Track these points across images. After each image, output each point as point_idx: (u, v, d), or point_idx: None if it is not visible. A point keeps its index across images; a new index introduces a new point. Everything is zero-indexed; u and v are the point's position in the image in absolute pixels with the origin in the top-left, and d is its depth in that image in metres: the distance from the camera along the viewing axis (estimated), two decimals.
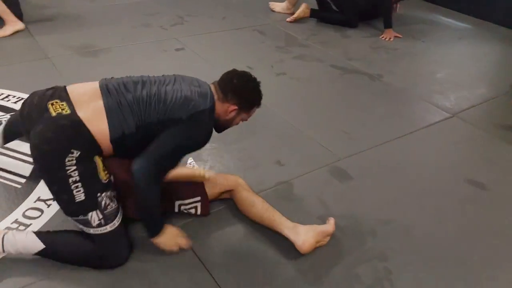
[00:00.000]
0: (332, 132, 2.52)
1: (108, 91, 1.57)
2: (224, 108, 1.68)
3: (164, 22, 3.75)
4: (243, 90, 1.70)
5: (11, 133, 1.83)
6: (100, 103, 1.52)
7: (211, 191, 1.88)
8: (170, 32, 3.59)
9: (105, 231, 1.53)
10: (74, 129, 1.47)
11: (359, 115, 2.71)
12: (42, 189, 1.87)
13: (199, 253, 1.69)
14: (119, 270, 1.59)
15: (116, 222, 1.56)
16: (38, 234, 1.57)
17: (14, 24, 3.32)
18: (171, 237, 1.65)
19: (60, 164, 1.44)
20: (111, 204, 1.54)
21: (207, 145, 1.71)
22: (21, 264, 1.57)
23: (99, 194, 1.51)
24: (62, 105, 1.49)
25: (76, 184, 1.46)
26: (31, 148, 1.48)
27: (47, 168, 1.48)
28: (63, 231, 1.63)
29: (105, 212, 1.52)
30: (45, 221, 1.76)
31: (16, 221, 1.74)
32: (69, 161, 1.44)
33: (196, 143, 1.66)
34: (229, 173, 2.01)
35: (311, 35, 3.80)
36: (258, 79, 1.75)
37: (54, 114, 1.47)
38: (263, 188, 2.02)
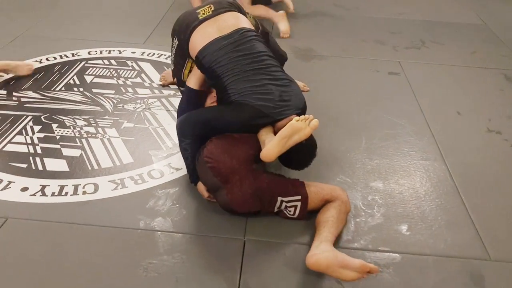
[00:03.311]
0: None
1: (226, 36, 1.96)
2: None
3: (399, 43, 3.50)
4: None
5: None
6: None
7: (314, 195, 1.81)
8: (398, 54, 3.33)
9: None
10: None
11: None
12: None
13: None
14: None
15: None
16: None
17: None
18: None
19: (172, 38, 2.16)
20: None
21: None
22: None
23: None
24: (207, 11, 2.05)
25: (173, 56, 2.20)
26: None
27: None
28: None
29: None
30: None
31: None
32: (173, 42, 2.15)
33: None
34: None
35: None
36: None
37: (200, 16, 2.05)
38: None
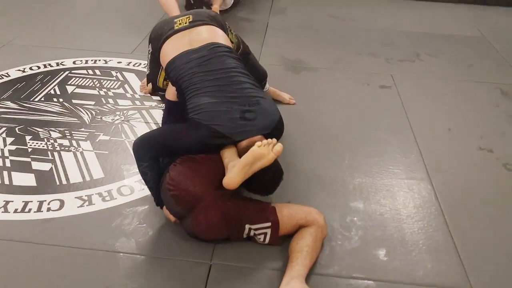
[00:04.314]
0: None
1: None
2: None
3: (393, 55, 3.40)
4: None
5: None
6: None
7: (286, 221, 1.70)
8: (390, 67, 3.23)
9: None
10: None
11: None
12: None
13: None
14: None
15: None
16: None
17: None
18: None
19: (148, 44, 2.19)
20: None
21: None
22: None
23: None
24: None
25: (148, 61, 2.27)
26: None
27: None
28: None
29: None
30: None
31: None
32: (148, 48, 2.18)
33: None
34: None
35: None
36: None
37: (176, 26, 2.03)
38: None
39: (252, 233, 1.70)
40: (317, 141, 2.39)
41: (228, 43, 2.03)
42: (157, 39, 2.01)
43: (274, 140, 1.66)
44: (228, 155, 1.72)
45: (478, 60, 3.41)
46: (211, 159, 1.76)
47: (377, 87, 2.97)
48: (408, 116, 2.64)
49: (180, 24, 1.99)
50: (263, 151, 1.61)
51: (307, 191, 2.05)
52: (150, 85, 2.57)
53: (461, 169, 2.25)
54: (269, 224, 1.69)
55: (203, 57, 1.86)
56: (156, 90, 2.36)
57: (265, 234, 1.70)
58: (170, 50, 1.91)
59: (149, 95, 2.65)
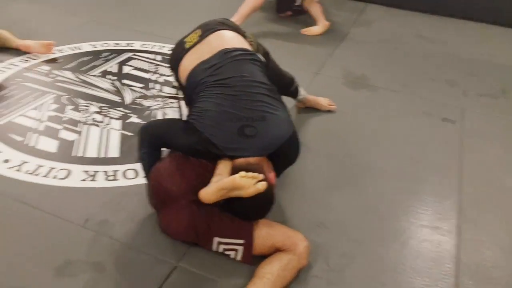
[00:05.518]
0: None
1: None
2: None
3: (473, 88, 2.99)
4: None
5: None
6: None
7: (262, 241, 1.58)
8: (464, 100, 2.85)
9: None
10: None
11: None
12: None
13: None
14: None
15: None
16: None
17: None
18: None
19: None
20: None
21: None
22: None
23: None
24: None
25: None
26: None
27: None
28: None
29: None
30: None
31: None
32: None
33: None
34: None
35: None
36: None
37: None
38: None
39: (221, 248, 1.60)
40: (344, 164, 2.20)
41: (243, 44, 1.93)
42: (174, 64, 1.98)
43: (261, 176, 1.51)
44: (221, 167, 1.62)
45: None
46: (202, 166, 1.67)
47: (439, 119, 2.64)
48: (461, 158, 2.31)
49: (190, 42, 1.94)
50: (244, 183, 1.48)
51: (310, 215, 1.88)
52: None
53: (500, 240, 1.87)
54: (241, 241, 1.58)
55: (214, 66, 1.79)
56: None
57: (236, 250, 1.59)
58: (185, 68, 1.88)
59: None
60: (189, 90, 1.87)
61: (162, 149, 1.80)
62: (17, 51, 2.91)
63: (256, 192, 1.49)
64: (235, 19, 3.38)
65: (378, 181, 2.12)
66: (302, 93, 2.48)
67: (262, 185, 1.49)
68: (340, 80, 2.99)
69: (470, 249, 1.79)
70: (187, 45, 1.93)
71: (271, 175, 1.64)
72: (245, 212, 1.58)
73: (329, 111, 2.59)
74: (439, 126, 2.59)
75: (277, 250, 1.59)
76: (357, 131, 2.48)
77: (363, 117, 2.62)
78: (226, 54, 1.82)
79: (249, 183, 1.48)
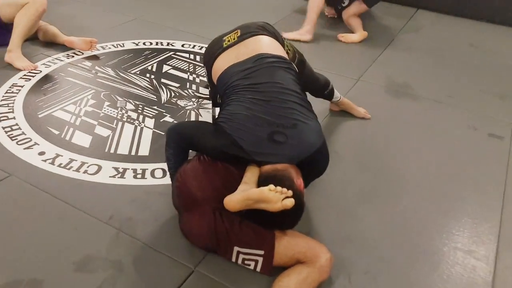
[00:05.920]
0: None
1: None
2: None
3: None
4: None
5: None
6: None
7: (283, 250, 1.54)
8: None
9: None
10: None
11: None
12: None
13: None
14: None
15: None
16: None
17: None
18: None
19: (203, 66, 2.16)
20: None
21: None
22: None
23: None
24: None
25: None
26: None
27: None
28: None
29: None
30: None
31: None
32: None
33: None
34: None
35: None
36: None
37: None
38: None
39: (240, 258, 1.57)
40: (374, 177, 2.11)
41: (280, 51, 1.89)
42: (208, 60, 1.97)
43: (290, 193, 1.46)
44: (248, 175, 1.59)
45: None
46: (229, 173, 1.64)
47: (485, 134, 2.49)
48: (507, 178, 2.16)
49: (228, 41, 1.92)
50: (271, 196, 1.43)
51: (337, 227, 1.82)
52: None
53: None
54: (261, 252, 1.54)
55: (249, 69, 1.76)
56: (215, 106, 2.29)
57: (256, 261, 1.55)
58: (219, 67, 1.86)
59: None
60: (219, 89, 1.86)
61: (189, 150, 1.80)
62: (63, 47, 3.02)
63: (282, 209, 1.44)
64: (309, 27, 3.39)
65: (412, 196, 2.02)
66: (337, 95, 2.42)
67: (290, 202, 1.44)
68: (381, 88, 2.88)
69: (507, 278, 1.66)
70: (225, 44, 1.92)
71: (299, 181, 1.59)
72: (273, 220, 1.53)
73: (363, 118, 2.51)
74: (484, 141, 2.43)
75: (298, 262, 1.54)
76: (395, 142, 2.38)
77: (403, 127, 2.51)
78: (262, 60, 1.79)
79: (277, 198, 1.43)
